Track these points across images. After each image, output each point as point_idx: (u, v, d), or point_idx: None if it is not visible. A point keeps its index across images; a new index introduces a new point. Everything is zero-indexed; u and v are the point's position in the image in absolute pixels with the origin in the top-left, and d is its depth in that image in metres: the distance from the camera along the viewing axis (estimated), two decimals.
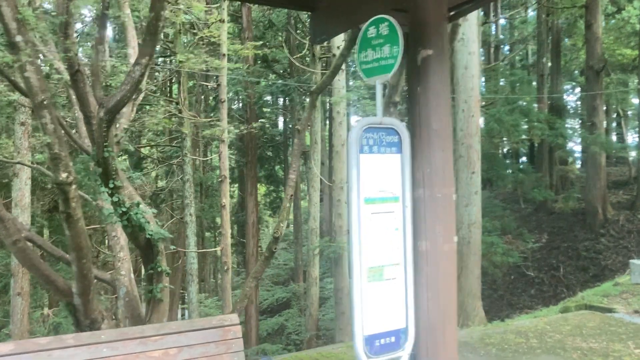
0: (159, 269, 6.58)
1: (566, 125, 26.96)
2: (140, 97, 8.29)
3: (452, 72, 16.99)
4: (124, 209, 5.96)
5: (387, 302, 3.33)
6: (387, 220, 3.35)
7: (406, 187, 3.41)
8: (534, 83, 21.14)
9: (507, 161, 30.44)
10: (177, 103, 13.38)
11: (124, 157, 26.03)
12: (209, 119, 13.17)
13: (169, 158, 20.47)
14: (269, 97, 31.54)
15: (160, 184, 24.71)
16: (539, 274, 19.12)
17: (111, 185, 5.86)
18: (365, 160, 3.26)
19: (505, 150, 31.65)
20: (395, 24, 3.27)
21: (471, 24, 10.76)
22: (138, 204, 6.11)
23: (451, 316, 3.46)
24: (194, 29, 14.36)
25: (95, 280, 7.40)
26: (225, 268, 12.12)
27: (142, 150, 25.03)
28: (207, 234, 30.47)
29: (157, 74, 17.92)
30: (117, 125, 8.13)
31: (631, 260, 8.60)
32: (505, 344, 6.36)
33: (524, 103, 23.86)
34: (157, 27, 5.27)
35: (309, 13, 4.76)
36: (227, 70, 14.89)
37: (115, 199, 5.92)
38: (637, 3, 21.00)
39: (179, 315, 21.23)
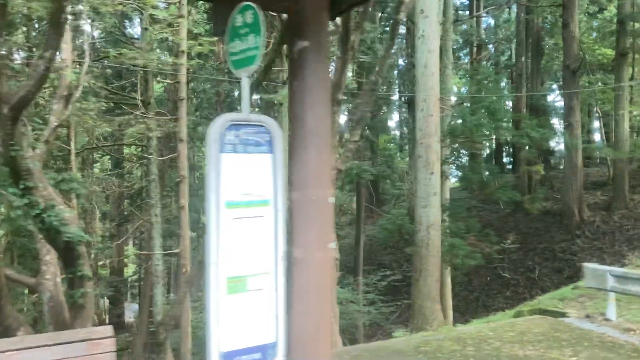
0: (80, 274, 6.30)
1: (554, 125, 26.83)
2: (77, 94, 7.99)
3: (411, 71, 16.67)
4: (37, 211, 5.67)
5: (253, 314, 3.07)
6: (254, 226, 3.09)
7: (278, 189, 3.15)
8: (510, 82, 20.89)
9: (492, 163, 30.28)
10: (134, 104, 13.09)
11: (107, 157, 25.71)
12: (170, 117, 12.85)
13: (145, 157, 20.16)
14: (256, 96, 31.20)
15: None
16: (514, 275, 18.95)
17: (22, 186, 5.56)
18: (228, 160, 2.99)
19: (488, 151, 31.55)
20: (259, 11, 3.00)
21: (431, 21, 10.48)
22: (53, 206, 5.82)
23: (324, 328, 3.22)
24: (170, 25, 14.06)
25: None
26: (184, 270, 11.82)
27: (126, 149, 24.71)
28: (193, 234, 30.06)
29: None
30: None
31: (584, 264, 8.38)
32: (438, 352, 6.12)
33: (505, 102, 23.65)
34: (59, 18, 4.99)
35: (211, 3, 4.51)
36: (196, 68, 14.59)
37: (26, 200, 5.63)
38: (616, 2, 20.87)
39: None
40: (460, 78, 34.57)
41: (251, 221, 3.08)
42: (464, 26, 27.19)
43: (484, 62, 33.43)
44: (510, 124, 14.86)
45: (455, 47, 34.27)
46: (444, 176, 13.38)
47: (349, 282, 16.19)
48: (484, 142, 24.15)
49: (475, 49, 27.29)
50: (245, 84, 3.14)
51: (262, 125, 3.13)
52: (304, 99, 3.22)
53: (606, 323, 7.76)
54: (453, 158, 13.96)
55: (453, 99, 19.17)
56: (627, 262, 15.05)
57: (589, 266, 8.15)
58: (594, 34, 25.08)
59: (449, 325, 12.28)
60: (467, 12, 29.35)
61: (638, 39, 20.10)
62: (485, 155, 31.75)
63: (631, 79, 22.11)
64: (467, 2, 30.87)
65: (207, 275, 2.93)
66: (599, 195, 20.88)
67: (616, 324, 7.65)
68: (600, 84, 22.98)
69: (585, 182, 23.35)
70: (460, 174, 19.36)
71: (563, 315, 8.37)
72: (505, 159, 32.50)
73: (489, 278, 19.45)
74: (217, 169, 2.94)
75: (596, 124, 30.67)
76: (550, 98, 28.95)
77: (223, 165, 2.96)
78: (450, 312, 15.01)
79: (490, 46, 30.95)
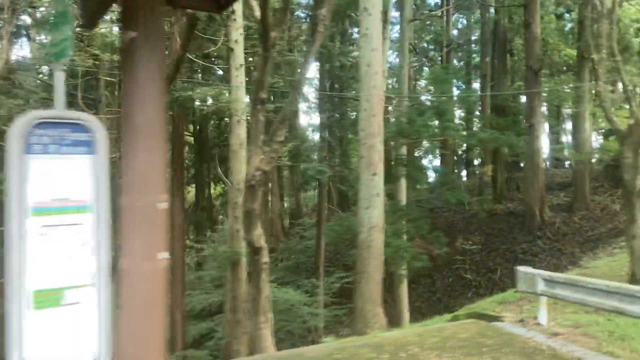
0: None
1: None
2: None
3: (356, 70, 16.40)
4: None
5: (69, 330, 2.80)
6: (70, 235, 2.81)
7: (101, 194, 2.87)
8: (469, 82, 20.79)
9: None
10: None
11: None
12: (114, 116, 12.52)
13: None
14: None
15: None
16: (476, 276, 18.87)
17: None
18: (36, 162, 2.71)
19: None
20: (69, 1, 2.74)
21: (375, 19, 10.27)
22: None
23: (156, 345, 2.96)
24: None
25: None
26: None
27: None
28: None
29: None
30: None
31: (517, 267, 8.22)
32: None
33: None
34: None
35: None
36: None
37: None
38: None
39: None
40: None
41: (66, 229, 2.81)
42: (434, 27, 27.08)
43: (459, 63, 33.59)
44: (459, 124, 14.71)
45: (431, 47, 34.41)
46: (398, 177, 13.22)
47: (303, 284, 15.98)
48: (456, 142, 24.10)
49: (445, 49, 27.21)
50: (60, 77, 2.86)
51: (80, 124, 2.86)
52: (133, 94, 2.96)
53: (537, 327, 7.62)
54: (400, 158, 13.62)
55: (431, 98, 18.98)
56: (582, 264, 15.05)
57: (521, 269, 7.99)
58: (562, 35, 25.16)
59: (403, 328, 12.09)
60: (440, 13, 29.32)
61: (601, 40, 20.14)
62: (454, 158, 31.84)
63: (596, 80, 22.17)
64: (440, 2, 30.88)
65: (9, 289, 2.66)
66: (562, 196, 20.92)
67: (546, 328, 7.51)
68: (571, 85, 23.04)
69: (551, 183, 23.46)
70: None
71: (497, 319, 8.22)
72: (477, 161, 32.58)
73: (451, 279, 19.36)
74: (20, 171, 2.66)
75: (567, 125, 30.95)
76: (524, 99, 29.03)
77: (29, 167, 2.69)
78: (406, 314, 14.86)
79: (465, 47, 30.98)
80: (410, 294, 20.01)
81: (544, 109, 30.07)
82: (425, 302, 19.50)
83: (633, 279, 8.90)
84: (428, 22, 27.27)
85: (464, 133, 14.27)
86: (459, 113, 31.54)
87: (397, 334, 7.33)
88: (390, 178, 12.92)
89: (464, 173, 32.54)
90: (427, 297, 19.68)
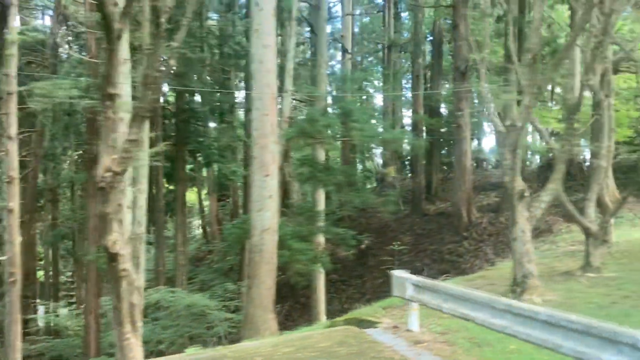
0: None
1: None
2: None
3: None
4: None
5: None
6: None
7: None
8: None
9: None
10: None
11: None
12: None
13: None
14: None
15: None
16: None
17: None
18: None
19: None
20: None
21: (267, 14, 9.95)
22: None
23: None
24: None
25: None
26: (12, 279, 10.84)
27: None
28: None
29: None
30: None
31: (391, 272, 8.02)
32: None
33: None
34: None
35: None
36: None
37: None
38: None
39: None
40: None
41: None
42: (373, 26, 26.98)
43: (405, 63, 33.72)
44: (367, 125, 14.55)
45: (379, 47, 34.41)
46: (303, 178, 12.96)
47: (227, 288, 15.58)
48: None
49: (386, 50, 27.16)
50: None
51: None
52: None
53: (406, 334, 7.42)
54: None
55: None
56: (498, 265, 15.12)
57: (394, 274, 7.79)
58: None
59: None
60: (382, 13, 29.32)
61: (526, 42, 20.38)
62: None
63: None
64: (383, 2, 30.87)
65: None
66: (493, 196, 21.08)
67: (414, 335, 7.32)
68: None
69: (486, 183, 23.68)
70: None
71: (373, 325, 8.00)
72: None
73: (380, 280, 19.23)
74: None
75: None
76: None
77: None
78: (323, 317, 14.62)
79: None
80: (340, 295, 19.87)
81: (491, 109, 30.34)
82: (354, 303, 19.27)
83: (514, 282, 8.84)
84: (371, 23, 27.14)
85: (367, 134, 14.08)
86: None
87: (252, 344, 7.02)
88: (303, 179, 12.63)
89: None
90: (357, 299, 19.48)
